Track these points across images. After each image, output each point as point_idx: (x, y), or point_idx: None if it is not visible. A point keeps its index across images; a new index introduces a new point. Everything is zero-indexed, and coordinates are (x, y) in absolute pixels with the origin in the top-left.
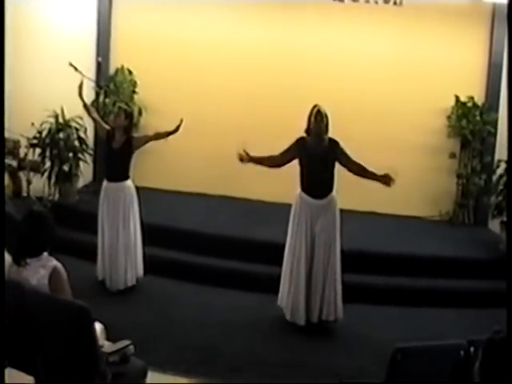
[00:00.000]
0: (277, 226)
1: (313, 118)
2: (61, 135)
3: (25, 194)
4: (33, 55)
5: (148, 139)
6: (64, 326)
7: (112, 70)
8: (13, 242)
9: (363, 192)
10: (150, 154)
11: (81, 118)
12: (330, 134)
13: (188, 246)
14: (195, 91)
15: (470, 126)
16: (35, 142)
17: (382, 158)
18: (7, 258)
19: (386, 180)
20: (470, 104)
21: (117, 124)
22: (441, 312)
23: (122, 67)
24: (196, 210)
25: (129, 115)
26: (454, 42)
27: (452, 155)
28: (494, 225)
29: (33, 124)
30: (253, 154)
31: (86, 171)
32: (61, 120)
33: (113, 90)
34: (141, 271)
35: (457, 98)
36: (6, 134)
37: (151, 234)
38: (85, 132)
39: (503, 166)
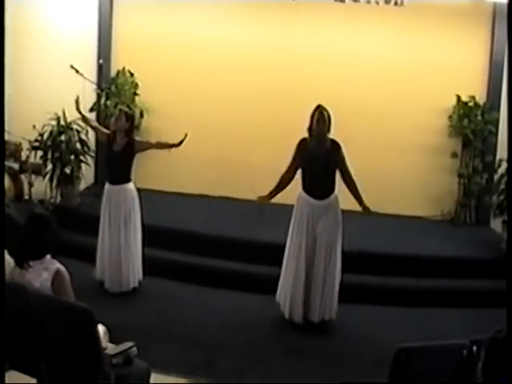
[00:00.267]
0: (279, 227)
1: (315, 119)
2: (62, 138)
3: (27, 197)
4: (33, 57)
5: (149, 146)
6: (67, 328)
7: (113, 72)
8: (15, 244)
9: (364, 192)
10: (151, 156)
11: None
12: (331, 135)
13: (190, 248)
14: (196, 93)
15: (471, 125)
16: (37, 144)
17: (384, 159)
18: (10, 260)
19: (365, 209)
20: (471, 104)
21: (118, 127)
22: (443, 312)
23: (124, 69)
24: (197, 211)
25: (130, 117)
26: (455, 42)
27: (453, 155)
28: (496, 224)
29: (34, 127)
30: (263, 192)
31: (87, 173)
32: (62, 122)
33: (114, 92)
34: (140, 274)
35: (458, 97)
36: (8, 137)
37: (153, 235)
38: (86, 134)
39: (505, 165)
